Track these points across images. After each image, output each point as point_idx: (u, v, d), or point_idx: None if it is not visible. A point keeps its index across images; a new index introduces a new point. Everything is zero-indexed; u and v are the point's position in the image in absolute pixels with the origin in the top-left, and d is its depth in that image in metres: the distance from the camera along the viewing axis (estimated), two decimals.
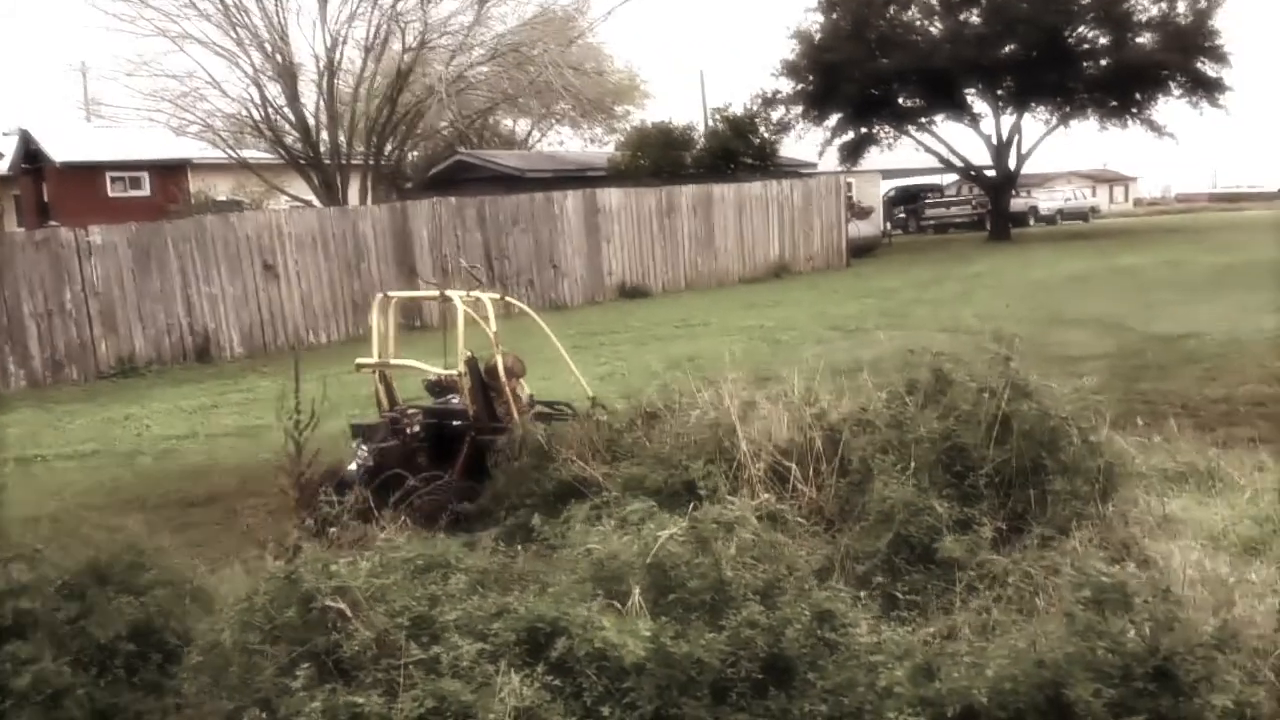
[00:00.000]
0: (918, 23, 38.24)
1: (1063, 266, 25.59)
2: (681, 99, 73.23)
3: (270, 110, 29.59)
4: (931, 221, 48.87)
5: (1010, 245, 35.86)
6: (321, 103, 29.64)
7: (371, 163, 30.86)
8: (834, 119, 37.68)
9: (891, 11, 37.47)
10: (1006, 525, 5.20)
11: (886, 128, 38.79)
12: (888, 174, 45.07)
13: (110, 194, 35.92)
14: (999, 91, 37.50)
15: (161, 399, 14.58)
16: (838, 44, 35.98)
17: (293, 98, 29.46)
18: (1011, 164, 39.02)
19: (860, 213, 35.31)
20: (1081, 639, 3.66)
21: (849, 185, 32.53)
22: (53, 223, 27.77)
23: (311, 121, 29.85)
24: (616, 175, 30.61)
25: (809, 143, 38.57)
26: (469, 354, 7.19)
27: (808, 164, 36.89)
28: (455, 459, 7.06)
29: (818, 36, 37.10)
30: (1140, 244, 31.93)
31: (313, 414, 4.64)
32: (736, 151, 32.90)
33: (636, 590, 3.97)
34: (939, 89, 36.55)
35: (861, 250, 32.54)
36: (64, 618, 4.33)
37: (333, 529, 4.15)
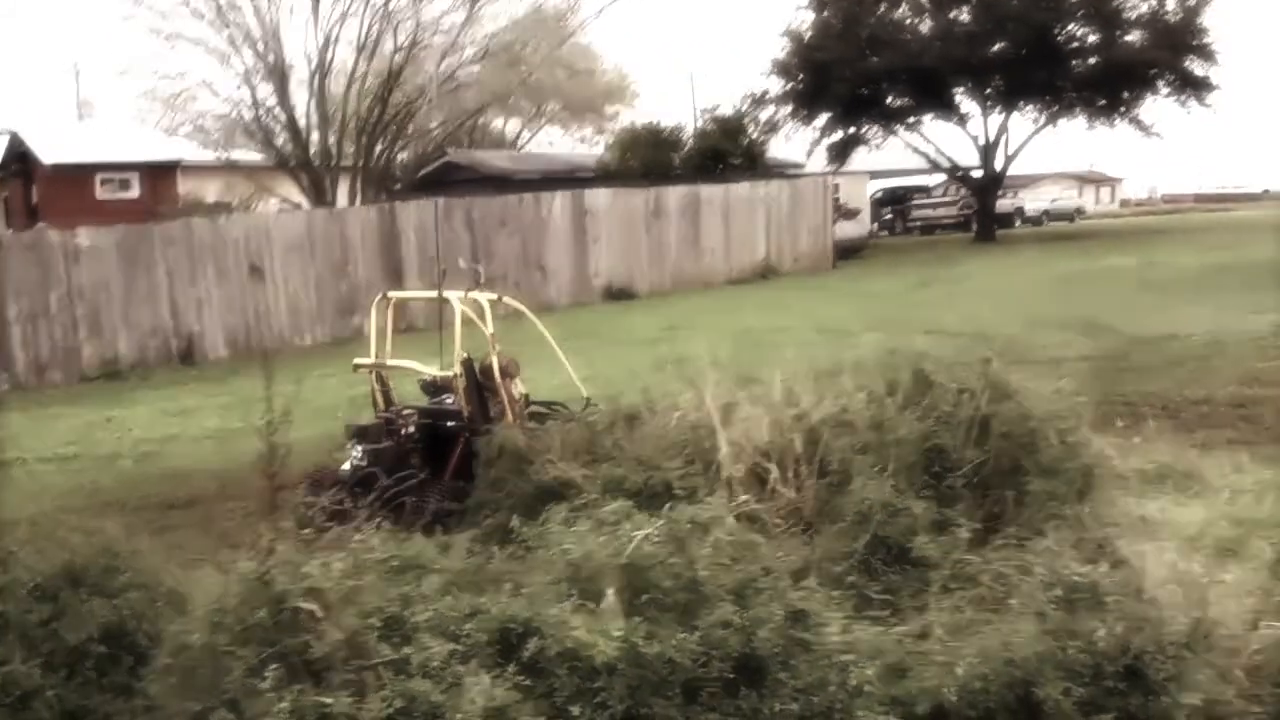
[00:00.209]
0: (907, 21, 38.32)
1: (1048, 267, 25.67)
2: (671, 99, 73.28)
3: (261, 111, 29.57)
4: (918, 222, 48.94)
5: (996, 246, 35.96)
6: (312, 103, 29.64)
7: (361, 164, 30.83)
8: (823, 119, 37.76)
9: (882, 10, 37.56)
10: (984, 526, 5.24)
11: (875, 127, 38.86)
12: (875, 175, 45.10)
13: (100, 196, 35.71)
14: (987, 90, 37.59)
15: (144, 402, 14.55)
16: (828, 42, 36.06)
17: (284, 98, 29.44)
18: (998, 165, 39.12)
19: (847, 214, 35.36)
20: (1052, 638, 3.68)
21: (836, 186, 32.58)
22: (41, 224, 27.67)
23: (302, 122, 29.84)
24: (605, 176, 30.61)
25: (797, 143, 38.71)
26: (465, 355, 7.20)
27: (795, 165, 36.96)
28: (450, 459, 7.06)
29: (808, 35, 37.19)
30: (1125, 245, 32.03)
31: (281, 415, 4.62)
32: (725, 152, 32.92)
33: (610, 591, 3.98)
34: (928, 88, 36.63)
35: (848, 251, 32.57)
36: (36, 620, 4.31)
37: (306, 530, 4.13)
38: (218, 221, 20.10)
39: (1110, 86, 36.16)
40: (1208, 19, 35.08)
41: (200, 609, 3.78)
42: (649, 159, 31.88)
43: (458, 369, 7.14)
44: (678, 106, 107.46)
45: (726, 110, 35.32)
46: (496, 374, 7.27)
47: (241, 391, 14.42)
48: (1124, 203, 77.78)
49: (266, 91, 29.37)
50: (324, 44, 28.91)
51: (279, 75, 28.86)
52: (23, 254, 17.33)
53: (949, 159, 39.72)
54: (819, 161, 37.99)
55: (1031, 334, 13.82)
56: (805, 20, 37.76)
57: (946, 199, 49.63)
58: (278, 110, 29.71)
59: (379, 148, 31.91)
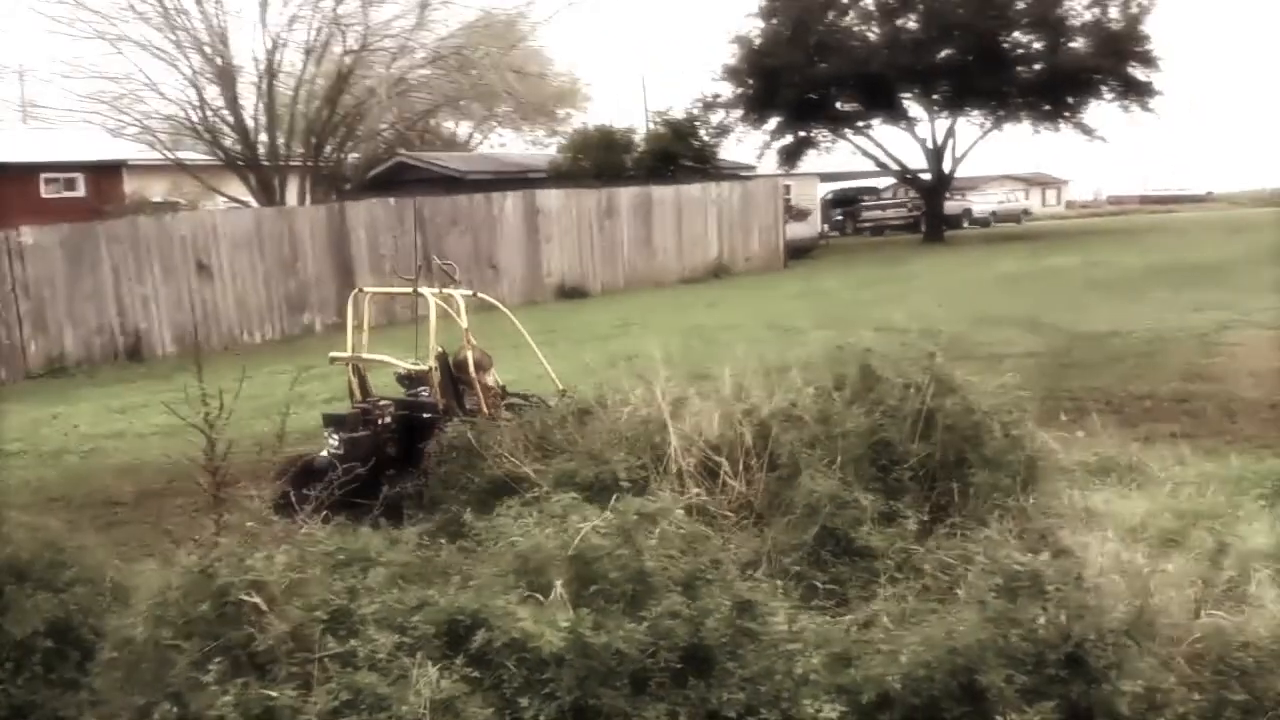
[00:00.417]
0: (855, 28, 38.60)
1: (994, 267, 25.97)
2: (623, 102, 73.28)
3: (209, 112, 29.21)
4: (868, 224, 49.29)
5: (944, 247, 36.34)
6: (261, 105, 29.33)
7: (310, 164, 30.56)
8: (773, 122, 37.92)
9: (830, 17, 37.79)
10: (930, 517, 5.29)
11: (824, 131, 39.07)
12: (825, 177, 45.39)
13: (44, 195, 35.20)
14: (934, 96, 37.95)
15: (90, 399, 14.35)
16: (777, 49, 36.22)
17: (232, 100, 29.10)
18: (946, 167, 39.55)
19: (798, 215, 35.58)
20: (994, 626, 3.72)
21: (787, 188, 32.74)
22: None
23: (250, 123, 29.51)
24: (557, 177, 30.56)
25: (748, 146, 38.85)
26: (439, 349, 7.24)
27: (747, 167, 37.09)
28: (425, 449, 7.09)
29: (757, 41, 37.34)
30: (1070, 245, 32.47)
31: (221, 408, 4.60)
32: (676, 154, 32.99)
33: (559, 582, 3.98)
34: (876, 93, 36.92)
35: (799, 251, 32.78)
36: None
37: (250, 524, 4.10)
38: (164, 219, 19.85)
39: (1055, 92, 36.64)
40: (1150, 26, 35.81)
41: (144, 603, 3.74)
42: (601, 160, 31.86)
43: (433, 362, 7.18)
44: (630, 109, 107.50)
45: (678, 113, 35.41)
46: (471, 368, 7.32)
47: (189, 388, 14.26)
48: (1070, 204, 78.59)
49: (214, 93, 29.04)
50: (271, 47, 28.64)
51: (227, 77, 28.53)
52: None
53: (898, 162, 40.07)
54: (770, 164, 38.17)
55: (977, 331, 13.95)
56: (754, 27, 38.01)
57: (896, 201, 50.06)
58: (225, 112, 29.37)
59: (328, 149, 31.62)
